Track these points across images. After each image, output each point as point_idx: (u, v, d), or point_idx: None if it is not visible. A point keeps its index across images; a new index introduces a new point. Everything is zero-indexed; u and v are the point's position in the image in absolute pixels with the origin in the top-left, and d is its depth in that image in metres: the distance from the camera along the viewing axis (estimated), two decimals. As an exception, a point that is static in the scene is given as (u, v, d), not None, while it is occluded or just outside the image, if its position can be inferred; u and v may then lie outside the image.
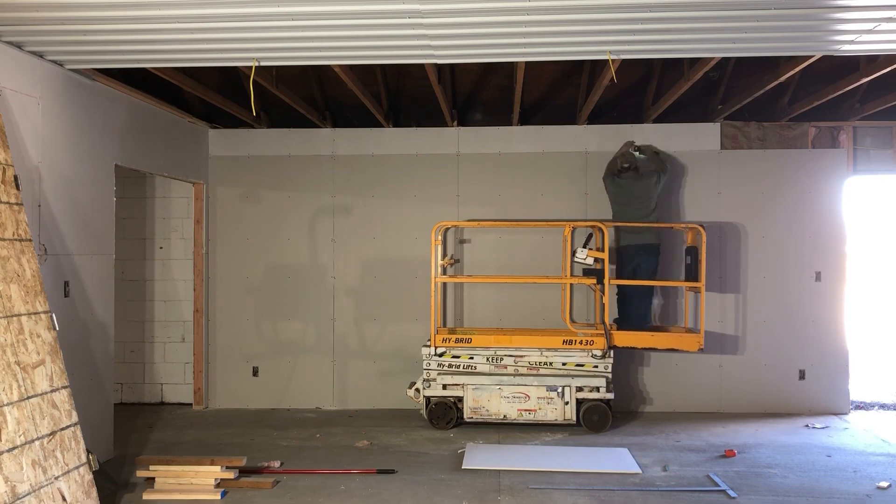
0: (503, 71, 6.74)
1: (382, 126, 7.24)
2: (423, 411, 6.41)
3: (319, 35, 4.31)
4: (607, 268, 6.34)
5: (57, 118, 4.91)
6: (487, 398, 6.25)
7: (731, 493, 4.65)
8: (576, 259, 6.38)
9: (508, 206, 7.19)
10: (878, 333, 10.33)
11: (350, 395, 7.26)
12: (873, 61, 5.46)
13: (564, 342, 6.28)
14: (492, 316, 7.17)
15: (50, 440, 3.80)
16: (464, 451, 5.58)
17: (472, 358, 6.32)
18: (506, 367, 6.29)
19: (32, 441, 3.68)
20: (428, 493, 4.67)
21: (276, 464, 5.23)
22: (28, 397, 3.73)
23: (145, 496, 4.62)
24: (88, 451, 4.09)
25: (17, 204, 4.06)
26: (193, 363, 7.28)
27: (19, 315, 3.84)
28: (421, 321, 7.19)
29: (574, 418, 6.19)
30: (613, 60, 4.72)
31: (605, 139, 7.14)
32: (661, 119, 7.05)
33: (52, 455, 3.78)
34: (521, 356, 6.28)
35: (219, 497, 4.57)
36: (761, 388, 6.99)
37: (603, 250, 6.41)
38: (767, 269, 7.03)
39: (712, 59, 5.09)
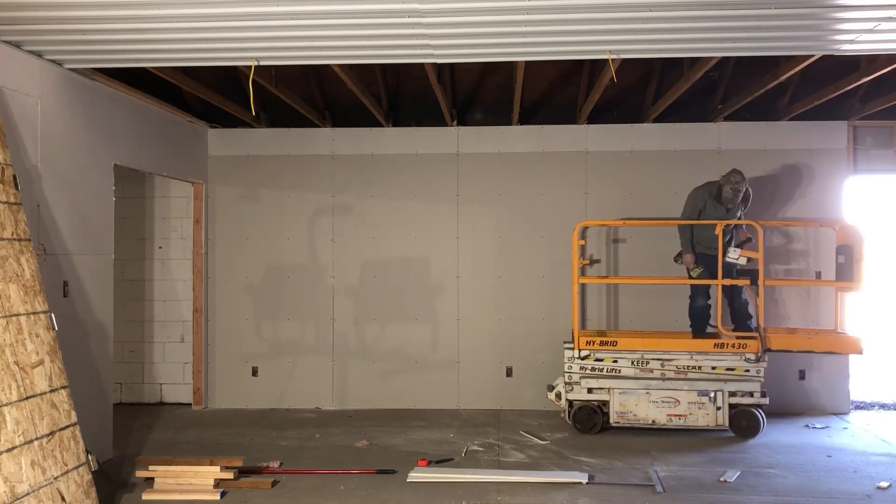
0: (503, 70, 6.73)
1: (382, 126, 7.23)
2: (566, 416, 6.25)
3: (319, 35, 4.30)
4: (762, 268, 6.06)
5: (56, 118, 4.90)
6: (635, 403, 6.03)
7: (658, 488, 4.70)
8: (728, 258, 6.07)
9: (508, 205, 7.19)
10: (879, 333, 10.31)
11: (350, 395, 7.25)
12: (873, 61, 5.46)
13: (716, 345, 6.02)
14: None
15: (49, 440, 3.80)
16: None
17: (615, 361, 6.09)
18: (651, 371, 6.06)
19: (31, 441, 3.67)
20: (428, 493, 4.66)
21: (276, 464, 5.22)
22: (27, 397, 3.72)
23: (145, 496, 4.62)
24: (88, 452, 4.08)
25: (16, 203, 4.05)
26: (193, 363, 7.27)
27: (18, 315, 3.83)
28: (420, 321, 7.18)
29: (726, 424, 5.98)
30: (613, 60, 4.71)
31: (605, 139, 7.14)
32: (661, 119, 7.04)
33: (51, 455, 3.78)
34: (670, 360, 6.05)
35: (218, 497, 4.56)
36: (761, 388, 6.98)
37: (756, 250, 6.10)
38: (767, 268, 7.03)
39: (712, 59, 5.09)
